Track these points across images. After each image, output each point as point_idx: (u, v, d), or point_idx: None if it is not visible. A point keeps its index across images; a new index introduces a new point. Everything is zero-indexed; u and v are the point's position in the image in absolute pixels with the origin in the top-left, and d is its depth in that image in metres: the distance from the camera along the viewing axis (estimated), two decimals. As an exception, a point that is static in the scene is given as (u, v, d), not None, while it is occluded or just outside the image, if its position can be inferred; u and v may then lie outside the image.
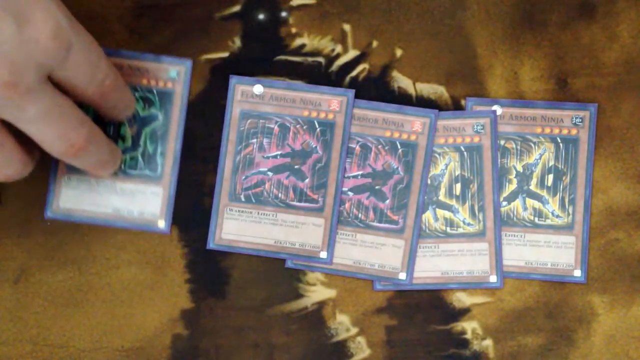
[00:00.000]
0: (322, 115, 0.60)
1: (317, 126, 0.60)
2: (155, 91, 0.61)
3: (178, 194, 0.60)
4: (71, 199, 0.60)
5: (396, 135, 0.60)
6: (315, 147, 0.60)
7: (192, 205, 0.60)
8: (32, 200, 0.61)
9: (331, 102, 0.60)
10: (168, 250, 0.60)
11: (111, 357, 0.59)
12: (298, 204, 0.60)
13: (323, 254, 0.60)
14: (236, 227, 0.60)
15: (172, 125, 0.60)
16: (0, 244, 0.60)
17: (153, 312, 0.60)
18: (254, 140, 0.60)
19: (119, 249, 0.60)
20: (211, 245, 0.60)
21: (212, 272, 0.60)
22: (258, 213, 0.60)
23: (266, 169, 0.60)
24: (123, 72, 0.60)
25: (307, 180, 0.60)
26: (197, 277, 0.60)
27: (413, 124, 0.60)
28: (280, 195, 0.60)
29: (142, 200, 0.60)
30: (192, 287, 0.60)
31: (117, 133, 0.60)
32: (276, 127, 0.60)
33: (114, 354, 0.59)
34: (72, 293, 0.60)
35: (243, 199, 0.60)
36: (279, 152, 0.60)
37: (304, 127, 0.60)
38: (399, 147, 0.60)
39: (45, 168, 0.61)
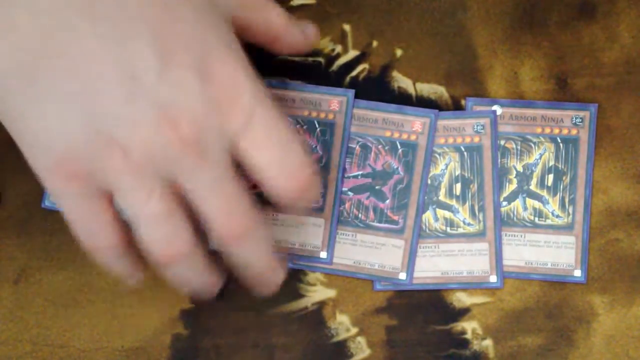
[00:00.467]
0: (322, 115, 0.60)
1: (317, 126, 0.60)
2: None
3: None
4: None
5: (396, 135, 0.60)
6: (315, 147, 0.60)
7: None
8: (32, 200, 0.61)
9: (331, 102, 0.60)
10: (168, 250, 0.60)
11: (111, 357, 0.59)
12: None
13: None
14: None
15: None
16: (0, 244, 0.60)
17: (153, 312, 0.60)
18: None
19: (119, 249, 0.60)
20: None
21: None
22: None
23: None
24: None
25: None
26: (197, 277, 0.60)
27: (413, 124, 0.60)
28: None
29: None
30: (192, 287, 0.60)
31: None
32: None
33: (114, 354, 0.59)
34: (72, 293, 0.60)
35: None
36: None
37: (304, 127, 0.60)
38: (399, 147, 0.60)
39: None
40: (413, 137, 0.60)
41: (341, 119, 0.60)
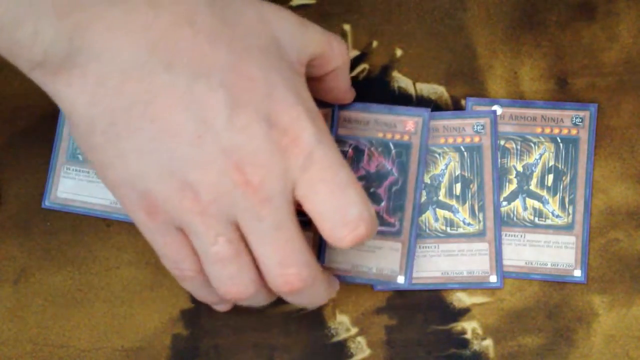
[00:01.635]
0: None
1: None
2: None
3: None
4: (69, 189, 0.60)
5: (389, 136, 0.60)
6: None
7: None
8: (32, 200, 0.61)
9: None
10: (168, 250, 0.60)
11: (111, 357, 0.59)
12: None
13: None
14: None
15: None
16: (0, 244, 0.60)
17: (153, 312, 0.60)
18: None
19: (119, 249, 0.60)
20: None
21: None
22: None
23: None
24: None
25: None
26: (197, 277, 0.60)
27: (405, 123, 0.60)
28: None
29: None
30: (192, 287, 0.60)
31: None
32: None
33: (114, 354, 0.59)
34: (72, 293, 0.60)
35: None
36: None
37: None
38: (392, 148, 0.60)
39: (45, 161, 0.61)
40: (406, 137, 0.60)
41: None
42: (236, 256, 0.48)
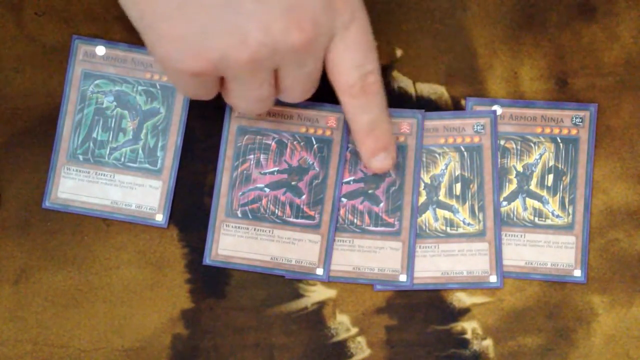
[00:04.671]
0: (320, 131, 0.61)
1: (314, 142, 0.60)
2: (158, 85, 0.61)
3: (178, 193, 0.60)
4: (69, 190, 0.60)
5: None
6: (313, 163, 0.60)
7: (192, 205, 0.60)
8: (32, 200, 0.61)
9: (328, 119, 0.61)
10: (168, 250, 0.60)
11: (111, 357, 0.59)
12: (294, 220, 0.60)
13: (319, 271, 0.59)
14: (232, 243, 0.60)
15: (173, 119, 0.61)
16: (0, 244, 0.60)
17: (153, 312, 0.60)
18: (251, 157, 0.60)
19: (119, 249, 0.60)
20: (207, 261, 0.60)
21: (212, 272, 0.60)
22: (255, 229, 0.60)
23: (263, 185, 0.60)
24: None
25: (303, 197, 0.60)
26: (197, 277, 0.60)
27: (400, 125, 0.60)
28: (277, 211, 0.60)
29: (141, 194, 0.60)
30: (192, 287, 0.60)
31: (119, 126, 0.60)
32: (273, 144, 0.60)
33: (114, 354, 0.59)
34: (72, 293, 0.60)
35: (240, 215, 0.60)
36: (276, 169, 0.60)
37: (302, 144, 0.60)
38: None
39: (45, 161, 0.61)
40: (402, 139, 0.60)
41: (338, 135, 0.60)
42: (270, 95, 0.53)
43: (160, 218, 0.60)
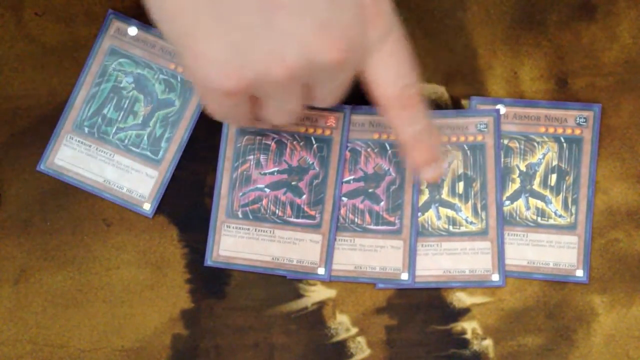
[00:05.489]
0: (319, 131, 0.61)
1: (314, 142, 0.61)
2: (179, 78, 0.61)
3: (178, 193, 0.60)
4: (67, 159, 0.60)
5: (384, 137, 0.61)
6: (312, 163, 0.60)
7: (193, 205, 0.60)
8: (32, 200, 0.60)
9: (328, 118, 0.61)
10: (168, 250, 0.60)
11: (111, 357, 0.59)
12: (295, 220, 0.60)
13: (321, 271, 0.60)
14: (234, 244, 0.60)
15: (185, 114, 0.61)
16: (0, 244, 0.60)
17: (153, 312, 0.59)
18: (251, 157, 0.60)
19: (119, 249, 0.60)
20: (208, 262, 0.60)
21: (212, 272, 0.60)
22: (256, 230, 0.60)
23: (263, 186, 0.60)
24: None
25: (304, 197, 0.60)
26: (197, 277, 0.60)
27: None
28: (277, 211, 0.60)
29: (135, 179, 0.60)
30: (192, 287, 0.60)
31: (131, 108, 0.60)
32: (273, 144, 0.60)
33: (114, 354, 0.59)
34: (72, 293, 0.60)
35: (240, 216, 0.60)
36: (276, 169, 0.60)
37: (301, 144, 0.61)
38: (388, 148, 0.60)
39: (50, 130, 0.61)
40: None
41: (338, 135, 0.61)
42: (302, 105, 0.53)
43: (147, 207, 0.60)
